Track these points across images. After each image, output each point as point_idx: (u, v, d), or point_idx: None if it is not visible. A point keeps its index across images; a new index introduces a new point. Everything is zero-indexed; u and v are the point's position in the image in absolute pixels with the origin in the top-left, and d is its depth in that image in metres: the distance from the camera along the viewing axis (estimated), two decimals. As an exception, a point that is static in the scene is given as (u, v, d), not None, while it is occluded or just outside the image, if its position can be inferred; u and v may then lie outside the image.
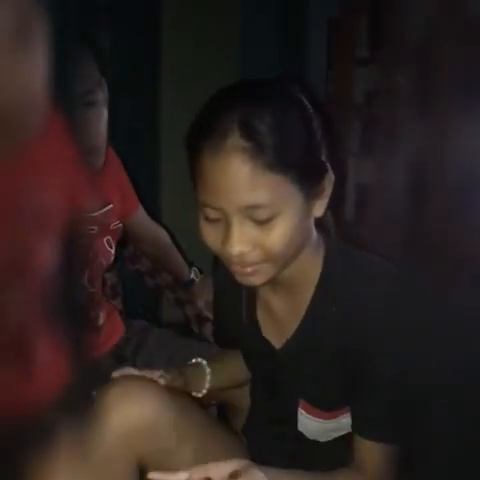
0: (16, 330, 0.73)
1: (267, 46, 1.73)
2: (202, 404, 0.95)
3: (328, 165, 0.74)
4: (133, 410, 0.80)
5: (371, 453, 0.78)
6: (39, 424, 0.81)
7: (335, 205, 0.79)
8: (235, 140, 0.67)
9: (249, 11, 1.73)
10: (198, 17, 1.69)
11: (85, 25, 1.09)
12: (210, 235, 0.73)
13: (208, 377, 0.93)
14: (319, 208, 0.75)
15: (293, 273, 0.78)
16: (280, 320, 0.83)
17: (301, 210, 0.71)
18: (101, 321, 1.22)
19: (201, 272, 1.41)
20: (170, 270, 1.41)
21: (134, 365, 1.24)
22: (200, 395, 0.93)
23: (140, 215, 1.33)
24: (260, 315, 0.86)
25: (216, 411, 1.15)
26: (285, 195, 0.69)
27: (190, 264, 1.41)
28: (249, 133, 0.66)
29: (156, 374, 0.87)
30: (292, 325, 0.81)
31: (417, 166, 0.81)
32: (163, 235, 1.39)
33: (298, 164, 0.69)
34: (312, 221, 0.76)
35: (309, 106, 0.73)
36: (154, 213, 1.42)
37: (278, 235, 0.69)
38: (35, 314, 0.75)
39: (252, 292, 0.86)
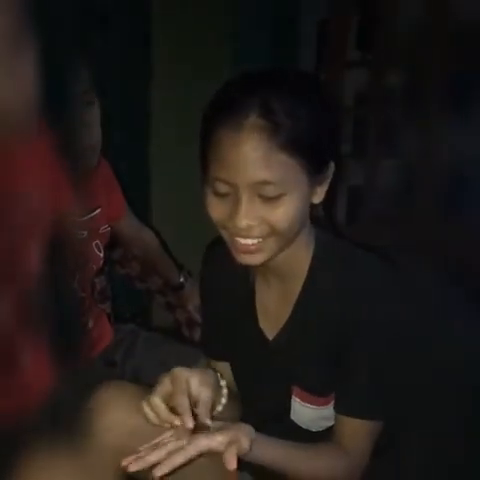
0: (3, 336, 0.72)
1: (258, 47, 1.73)
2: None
3: (332, 156, 0.79)
4: (117, 414, 0.80)
5: (353, 430, 0.81)
6: (25, 431, 0.80)
7: (327, 204, 0.83)
8: (255, 119, 0.72)
9: (242, 13, 1.73)
10: (190, 17, 1.68)
11: (77, 28, 1.09)
12: (217, 209, 0.76)
13: (224, 390, 0.87)
14: (319, 195, 0.80)
15: (285, 262, 0.82)
16: (273, 312, 0.87)
17: (305, 193, 0.76)
18: (90, 325, 1.21)
19: (191, 276, 1.40)
20: (160, 274, 1.40)
21: (123, 370, 1.24)
22: (220, 408, 0.87)
23: (128, 219, 1.33)
24: (256, 307, 0.89)
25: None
26: (294, 176, 0.74)
27: (180, 268, 1.41)
28: (269, 114, 0.71)
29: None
30: (283, 316, 0.85)
31: (407, 167, 0.81)
32: (152, 238, 1.38)
33: (309, 150, 0.74)
34: (308, 209, 0.80)
35: (324, 98, 0.79)
36: (144, 216, 1.42)
37: (283, 213, 0.74)
38: (23, 319, 0.74)
39: (249, 284, 0.89)
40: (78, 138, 1.02)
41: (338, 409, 0.83)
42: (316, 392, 0.84)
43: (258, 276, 0.89)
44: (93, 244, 1.20)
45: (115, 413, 0.80)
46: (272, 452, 0.79)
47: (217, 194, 0.76)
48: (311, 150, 0.74)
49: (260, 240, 0.76)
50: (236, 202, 0.74)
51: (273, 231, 0.75)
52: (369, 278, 0.80)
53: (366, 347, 0.79)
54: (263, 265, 0.83)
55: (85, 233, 1.16)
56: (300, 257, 0.83)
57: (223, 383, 0.86)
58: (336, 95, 1.60)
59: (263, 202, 0.74)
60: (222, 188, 0.75)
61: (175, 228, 1.61)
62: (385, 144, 0.90)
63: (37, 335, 0.87)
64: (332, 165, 0.80)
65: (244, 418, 0.95)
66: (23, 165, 0.70)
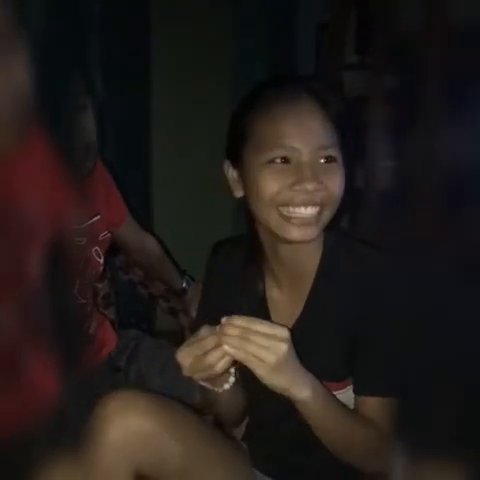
0: (5, 343, 0.73)
1: (257, 50, 1.74)
2: (200, 413, 0.94)
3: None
4: (131, 422, 0.81)
5: (374, 409, 0.82)
6: (31, 439, 0.80)
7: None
8: (306, 95, 0.81)
9: (241, 16, 1.74)
10: (189, 22, 1.69)
11: (72, 32, 1.10)
12: (275, 180, 0.79)
13: (232, 369, 0.86)
14: None
15: (297, 259, 0.85)
16: (284, 308, 0.89)
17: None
18: (91, 331, 1.22)
19: (193, 280, 1.41)
20: (162, 279, 1.40)
21: (127, 375, 1.24)
22: (227, 386, 0.86)
23: (129, 225, 1.33)
24: (268, 304, 0.91)
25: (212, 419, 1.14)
26: (337, 147, 0.81)
27: (182, 272, 1.41)
28: (316, 92, 0.81)
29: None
30: (295, 311, 0.87)
31: (407, 169, 0.81)
32: (153, 244, 1.38)
33: (343, 130, 0.82)
34: None
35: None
36: (146, 222, 1.42)
37: (338, 178, 0.80)
38: (24, 327, 0.74)
39: (260, 284, 0.91)
40: (73, 142, 1.03)
41: (359, 391, 0.85)
42: (331, 379, 0.85)
43: (267, 274, 0.90)
44: (92, 250, 1.20)
45: (126, 421, 0.81)
46: (329, 403, 0.79)
47: (274, 166, 0.79)
48: (345, 130, 0.82)
49: (317, 209, 0.79)
50: (300, 168, 0.78)
51: (329, 199, 0.79)
52: (379, 273, 0.83)
53: (380, 334, 0.82)
54: (274, 262, 0.87)
55: (84, 240, 1.17)
56: (310, 256, 0.86)
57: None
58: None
59: (323, 167, 0.79)
60: (285, 155, 0.78)
61: (176, 234, 1.61)
62: (385, 147, 0.91)
63: (39, 342, 0.88)
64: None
65: (255, 413, 0.96)
66: (21, 170, 0.70)
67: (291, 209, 0.79)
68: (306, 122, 0.79)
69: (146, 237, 1.38)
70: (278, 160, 0.78)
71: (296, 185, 0.78)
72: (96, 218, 1.20)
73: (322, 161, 0.79)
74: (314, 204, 0.78)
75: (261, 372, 0.73)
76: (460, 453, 0.68)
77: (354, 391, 0.86)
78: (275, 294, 0.90)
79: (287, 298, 0.89)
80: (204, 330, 0.76)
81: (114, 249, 1.32)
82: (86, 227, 1.16)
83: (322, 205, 0.79)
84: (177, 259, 1.45)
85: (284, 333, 0.73)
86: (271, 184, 0.79)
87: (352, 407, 0.86)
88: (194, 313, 1.37)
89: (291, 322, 0.88)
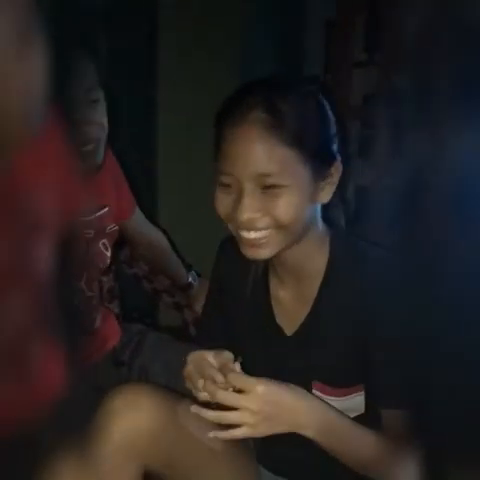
0: (13, 336, 0.73)
1: (265, 49, 1.73)
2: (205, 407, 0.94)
3: (338, 156, 0.82)
4: (138, 417, 0.80)
5: (391, 422, 0.81)
6: (37, 432, 0.80)
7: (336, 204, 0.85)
8: (257, 113, 0.76)
9: (248, 13, 1.73)
10: (196, 19, 1.68)
11: (83, 27, 1.10)
12: (222, 203, 0.79)
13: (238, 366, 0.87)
14: (326, 194, 0.81)
15: (299, 262, 0.84)
16: (289, 309, 0.88)
17: (308, 187, 0.78)
18: (97, 325, 1.22)
19: (199, 275, 1.41)
20: (167, 273, 1.40)
21: (131, 369, 1.24)
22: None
23: (137, 218, 1.32)
24: (272, 304, 0.90)
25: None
26: (295, 170, 0.77)
27: (188, 267, 1.41)
28: (271, 109, 0.76)
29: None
30: (301, 312, 0.86)
31: (416, 168, 0.81)
32: (160, 238, 1.38)
33: (310, 146, 0.77)
34: (319, 207, 0.83)
35: (326, 103, 0.82)
36: (151, 216, 1.42)
37: (285, 204, 0.76)
38: (32, 319, 0.74)
39: (265, 283, 0.90)
40: (83, 135, 1.04)
41: (371, 401, 0.84)
42: (337, 384, 0.84)
43: (272, 275, 0.90)
44: (100, 243, 1.20)
45: (134, 416, 0.80)
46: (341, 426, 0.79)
47: (222, 188, 0.79)
48: (312, 146, 0.77)
49: (264, 233, 0.78)
50: (239, 195, 0.77)
51: (276, 223, 0.77)
52: (386, 273, 0.81)
53: (390, 338, 0.80)
54: (276, 264, 0.85)
55: (92, 232, 1.17)
56: (315, 257, 0.85)
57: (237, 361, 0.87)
58: (343, 95, 1.60)
59: (265, 195, 0.76)
60: (227, 180, 0.78)
61: (182, 228, 1.61)
62: (393, 145, 0.90)
63: (45, 335, 0.88)
64: (339, 164, 0.81)
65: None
66: (32, 161, 0.70)
67: (238, 230, 0.79)
68: (249, 148, 0.75)
69: (154, 230, 1.38)
70: (224, 181, 0.78)
71: (234, 214, 0.78)
72: (104, 210, 1.19)
73: (265, 190, 0.76)
74: (257, 229, 0.78)
75: (244, 431, 0.75)
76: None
77: (367, 399, 0.84)
78: (281, 294, 0.90)
79: (293, 299, 0.89)
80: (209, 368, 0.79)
81: (119, 242, 1.32)
82: (94, 219, 1.16)
83: (269, 229, 0.78)
84: (182, 254, 1.45)
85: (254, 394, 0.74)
86: (219, 205, 0.80)
87: (356, 413, 0.85)
88: (198, 308, 1.37)
89: (296, 323, 0.87)
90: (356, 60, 1.66)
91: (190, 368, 0.82)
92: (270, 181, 0.75)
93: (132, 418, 0.80)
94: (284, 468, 0.94)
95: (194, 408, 0.76)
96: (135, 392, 0.83)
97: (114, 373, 1.21)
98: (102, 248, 1.20)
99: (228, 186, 0.78)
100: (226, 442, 0.90)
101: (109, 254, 1.22)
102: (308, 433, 0.77)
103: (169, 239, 1.41)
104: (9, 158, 0.65)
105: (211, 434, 0.77)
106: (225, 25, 1.73)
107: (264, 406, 0.74)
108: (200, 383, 0.79)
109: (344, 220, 0.92)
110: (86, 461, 0.81)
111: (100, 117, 1.08)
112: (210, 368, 0.79)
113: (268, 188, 0.76)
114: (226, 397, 0.74)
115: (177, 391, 0.90)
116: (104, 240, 1.21)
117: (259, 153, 0.75)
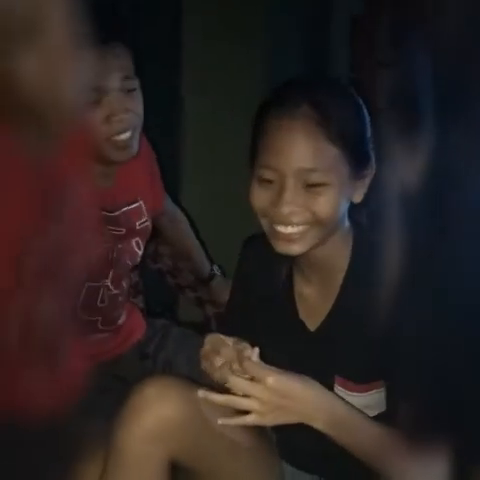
0: (47, 331, 0.74)
1: (290, 46, 1.72)
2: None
3: (372, 158, 0.83)
4: (166, 410, 0.82)
5: (409, 419, 0.79)
6: (65, 425, 0.82)
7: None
8: (305, 109, 0.77)
9: (273, 9, 1.72)
10: (221, 13, 1.67)
11: (118, 21, 1.11)
12: (261, 196, 0.80)
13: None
14: (359, 194, 0.83)
15: (324, 258, 0.86)
16: (313, 304, 0.89)
17: (346, 186, 0.80)
18: (122, 321, 1.23)
19: (222, 270, 1.41)
20: (193, 261, 1.38)
21: (155, 362, 1.26)
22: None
23: (167, 207, 1.32)
24: (295, 299, 0.91)
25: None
26: (337, 168, 0.78)
27: (211, 261, 1.41)
28: (319, 106, 0.77)
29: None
30: (324, 308, 0.88)
31: (441, 169, 0.81)
32: (186, 224, 1.37)
33: (352, 145, 0.79)
34: (347, 207, 0.84)
35: (361, 100, 0.85)
36: (175, 203, 1.40)
37: (325, 201, 0.78)
38: (65, 314, 0.76)
39: (288, 277, 0.91)
40: (120, 123, 1.05)
41: (392, 396, 0.84)
42: (360, 380, 0.85)
43: (297, 272, 0.91)
44: (133, 241, 1.18)
45: (162, 408, 0.81)
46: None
47: (262, 182, 0.80)
48: (354, 145, 0.79)
49: (300, 229, 0.79)
50: (281, 189, 0.78)
51: (315, 220, 0.79)
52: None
53: (416, 337, 0.79)
54: (302, 260, 0.86)
55: (123, 230, 1.16)
56: (339, 253, 0.86)
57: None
58: (369, 94, 1.59)
59: (307, 190, 0.78)
60: (268, 175, 0.79)
61: (205, 220, 1.59)
62: (420, 148, 0.90)
63: (74, 329, 0.90)
64: (373, 165, 0.83)
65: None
66: (73, 154, 0.72)
67: (274, 224, 0.80)
68: (295, 142, 0.76)
69: (180, 216, 1.37)
70: (266, 176, 0.79)
71: (274, 206, 0.78)
72: (135, 205, 1.18)
73: (307, 185, 0.77)
74: (294, 224, 0.79)
75: (253, 419, 0.77)
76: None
77: (388, 395, 0.84)
78: (304, 290, 0.91)
79: (316, 294, 0.90)
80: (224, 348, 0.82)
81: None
82: (121, 215, 1.15)
83: (306, 225, 0.79)
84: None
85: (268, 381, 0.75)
86: (256, 199, 0.81)
87: (377, 411, 0.85)
88: (221, 303, 1.37)
89: (319, 319, 0.89)
90: (381, 58, 1.65)
91: (207, 348, 0.84)
92: (313, 178, 0.76)
93: (161, 408, 0.81)
94: (306, 462, 0.95)
95: (201, 393, 0.77)
96: (164, 384, 0.84)
97: (139, 365, 1.23)
98: (135, 246, 1.19)
99: (268, 181, 0.79)
100: (250, 437, 0.92)
101: (140, 253, 1.21)
102: (317, 424, 0.78)
103: (192, 225, 1.40)
104: (53, 140, 0.66)
105: (220, 421, 0.78)
106: (250, 22, 1.71)
107: (272, 396, 0.75)
108: (217, 360, 0.80)
109: (366, 218, 0.93)
110: (112, 449, 0.83)
111: (136, 106, 1.08)
112: (227, 347, 0.80)
113: (311, 185, 0.77)
114: (238, 383, 0.76)
115: (201, 384, 0.92)
116: (137, 238, 1.19)
117: (305, 148, 0.76)
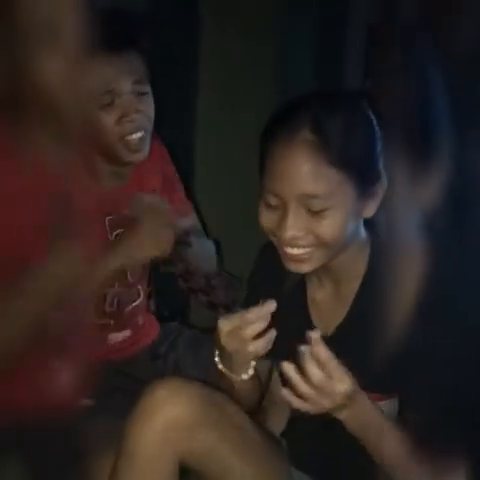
0: (63, 330, 0.75)
1: (305, 47, 1.72)
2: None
3: (383, 173, 0.81)
4: (176, 412, 0.82)
5: (425, 432, 0.81)
6: (77, 424, 0.83)
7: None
8: (305, 134, 0.76)
9: (288, 15, 1.72)
10: (236, 13, 1.66)
11: (133, 29, 1.13)
12: (267, 219, 0.81)
13: (253, 362, 0.89)
14: (370, 210, 0.82)
15: (340, 266, 0.85)
16: (327, 310, 0.89)
17: (352, 207, 0.79)
18: (141, 322, 1.24)
19: (235, 276, 1.41)
20: (202, 262, 1.35)
21: (165, 363, 1.26)
22: (238, 379, 0.89)
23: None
24: (308, 305, 0.91)
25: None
26: (341, 191, 0.77)
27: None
28: (319, 129, 0.76)
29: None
30: (337, 314, 0.87)
31: (461, 177, 0.80)
32: (212, 252, 1.35)
33: (357, 166, 0.78)
34: (361, 220, 0.83)
35: (373, 118, 0.82)
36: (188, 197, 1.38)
37: (329, 225, 0.78)
38: (80, 315, 0.77)
39: (302, 285, 0.91)
40: (132, 123, 1.06)
41: (406, 410, 0.84)
42: (372, 389, 0.84)
43: (310, 277, 0.91)
44: None
45: (174, 410, 0.81)
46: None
47: (268, 205, 0.80)
48: (358, 167, 0.77)
49: (307, 250, 0.79)
50: (284, 214, 0.78)
51: (319, 242, 0.79)
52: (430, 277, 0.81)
53: (433, 346, 0.80)
54: (319, 268, 0.85)
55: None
56: (355, 261, 0.86)
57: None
58: (383, 100, 1.59)
59: (309, 214, 0.78)
60: (272, 200, 0.79)
61: (218, 223, 1.59)
62: (438, 156, 0.89)
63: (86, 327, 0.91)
64: (384, 181, 0.82)
65: (294, 420, 0.97)
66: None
67: (282, 245, 0.81)
68: (296, 169, 0.76)
69: (207, 244, 1.33)
70: (269, 200, 0.80)
71: (278, 230, 0.79)
72: None
73: (310, 209, 0.77)
74: (300, 246, 0.79)
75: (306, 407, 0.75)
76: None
77: (401, 406, 0.84)
78: (318, 296, 0.91)
79: (331, 301, 0.89)
80: (253, 309, 0.79)
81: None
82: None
83: (312, 247, 0.79)
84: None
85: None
86: (264, 221, 0.82)
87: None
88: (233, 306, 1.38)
89: (333, 326, 0.88)
90: (396, 65, 1.64)
91: (227, 327, 0.80)
92: (315, 204, 0.76)
93: (171, 410, 0.81)
94: (315, 468, 0.94)
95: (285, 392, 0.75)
96: (175, 386, 0.84)
97: (151, 366, 1.24)
98: None
99: (273, 205, 0.79)
100: (260, 441, 0.91)
101: None
102: (341, 414, 0.77)
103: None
104: (69, 141, 0.68)
105: (284, 391, 0.75)
106: (264, 26, 1.71)
107: (343, 400, 0.75)
108: (248, 331, 0.78)
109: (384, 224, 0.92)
110: (123, 450, 0.83)
111: (147, 108, 1.10)
112: (249, 317, 0.78)
113: (314, 210, 0.77)
114: (318, 376, 0.74)
115: (211, 385, 0.92)
116: None
117: (305, 174, 0.76)
